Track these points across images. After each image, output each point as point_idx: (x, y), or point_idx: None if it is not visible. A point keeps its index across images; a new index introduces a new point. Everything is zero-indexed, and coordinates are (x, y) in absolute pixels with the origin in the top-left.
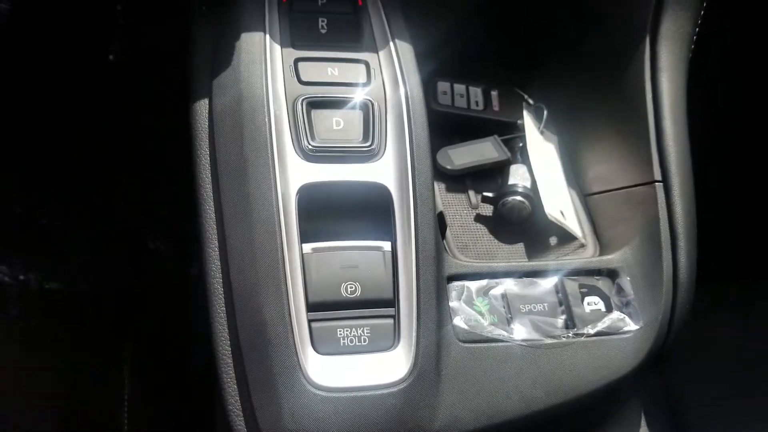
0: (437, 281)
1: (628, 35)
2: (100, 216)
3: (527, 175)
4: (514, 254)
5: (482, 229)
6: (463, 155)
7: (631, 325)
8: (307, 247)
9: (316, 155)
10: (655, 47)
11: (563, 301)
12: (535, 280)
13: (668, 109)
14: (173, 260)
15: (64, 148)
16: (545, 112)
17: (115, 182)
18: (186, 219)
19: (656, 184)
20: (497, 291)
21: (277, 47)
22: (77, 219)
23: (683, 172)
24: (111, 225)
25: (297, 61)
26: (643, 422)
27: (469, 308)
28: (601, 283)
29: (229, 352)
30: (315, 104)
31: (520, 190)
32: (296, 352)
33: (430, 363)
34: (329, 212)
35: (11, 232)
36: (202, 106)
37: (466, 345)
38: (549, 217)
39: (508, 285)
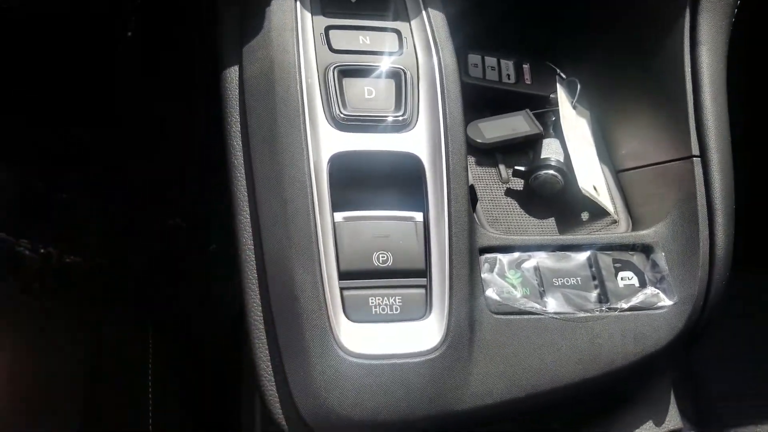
0: (470, 253)
1: (668, 7)
2: (119, 192)
3: (560, 149)
4: (545, 229)
5: (513, 204)
6: (494, 129)
7: (666, 301)
8: (339, 216)
9: (347, 124)
10: (695, 19)
11: (596, 276)
12: (568, 253)
13: (708, 82)
14: (193, 237)
15: (84, 128)
16: (578, 86)
17: (134, 159)
18: (205, 196)
19: (694, 159)
20: (530, 264)
21: (308, 15)
22: (96, 195)
23: (722, 147)
24: (130, 201)
25: (328, 29)
26: (672, 400)
27: (501, 280)
28: (636, 259)
29: (261, 319)
30: (346, 72)
31: (552, 164)
32: (329, 319)
33: (462, 333)
34: (361, 182)
35: (32, 206)
36: (232, 74)
37: (499, 317)
38: (583, 191)
39: (541, 258)
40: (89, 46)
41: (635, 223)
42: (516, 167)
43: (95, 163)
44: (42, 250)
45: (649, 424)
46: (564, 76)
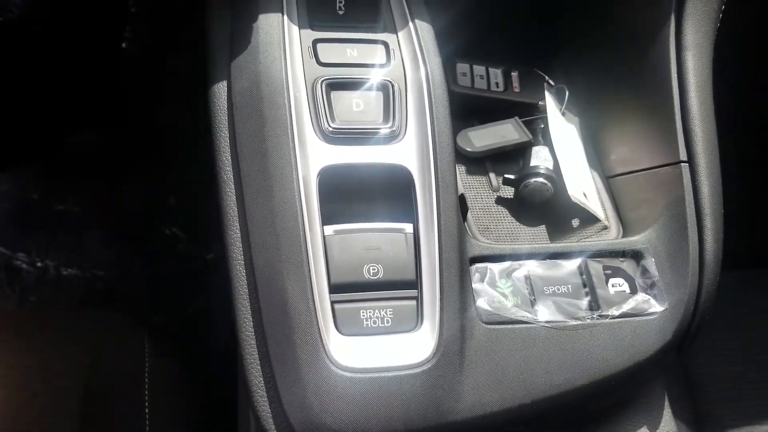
0: (460, 263)
1: (653, 13)
2: (115, 203)
3: (549, 156)
4: (536, 237)
5: (503, 212)
6: (484, 137)
7: (656, 307)
8: (329, 229)
9: (336, 137)
10: (680, 25)
11: (587, 283)
12: (558, 261)
13: (694, 87)
14: (189, 246)
15: (79, 137)
16: (567, 93)
17: (129, 169)
18: (201, 205)
19: (682, 164)
20: (520, 273)
21: (295, 28)
22: (93, 206)
23: (710, 151)
24: (126, 212)
25: (315, 42)
26: (667, 405)
27: (492, 290)
28: (626, 265)
29: (252, 334)
30: (334, 86)
31: (542, 171)
32: (320, 333)
33: (454, 344)
34: (350, 194)
35: (28, 219)
36: (220, 89)
37: (490, 326)
38: (572, 198)
39: (531, 267)
40: (86, 55)
41: (626, 229)
42: (506, 175)
43: (91, 173)
44: (39, 263)
45: (644, 429)
46: (552, 83)
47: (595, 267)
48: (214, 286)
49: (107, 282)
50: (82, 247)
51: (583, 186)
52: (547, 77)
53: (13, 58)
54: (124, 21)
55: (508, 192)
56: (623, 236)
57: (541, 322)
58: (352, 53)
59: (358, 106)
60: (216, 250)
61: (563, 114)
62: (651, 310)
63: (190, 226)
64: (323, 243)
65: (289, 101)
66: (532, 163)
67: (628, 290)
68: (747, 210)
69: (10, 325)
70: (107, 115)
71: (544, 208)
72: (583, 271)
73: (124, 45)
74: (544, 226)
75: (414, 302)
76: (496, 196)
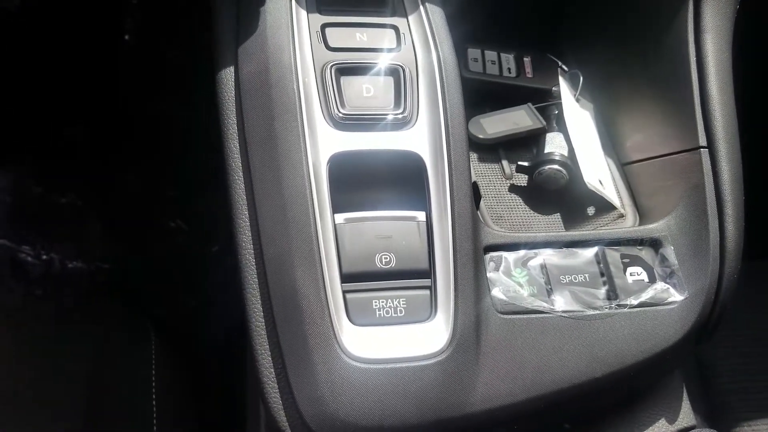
0: (474, 251)
1: None
2: (119, 196)
3: (564, 143)
4: (551, 225)
5: (517, 200)
6: (496, 124)
7: (676, 296)
8: (340, 218)
9: (346, 123)
10: (699, 7)
11: (605, 272)
12: (574, 250)
13: (714, 71)
14: (193, 238)
15: (81, 130)
16: (581, 79)
17: (133, 162)
18: (205, 198)
19: (701, 150)
20: (536, 261)
21: (303, 12)
22: (96, 199)
23: (730, 137)
24: (130, 205)
25: (324, 26)
26: (685, 396)
27: (507, 279)
28: (644, 253)
29: (263, 325)
30: (344, 71)
31: (557, 158)
32: (331, 323)
33: (469, 334)
34: (361, 182)
35: (32, 212)
36: (228, 75)
37: (506, 316)
38: (588, 186)
39: (547, 255)
40: (86, 46)
41: (642, 217)
42: (519, 163)
43: (92, 166)
44: (44, 256)
45: (662, 422)
46: (566, 68)
47: (613, 255)
48: (217, 279)
49: (111, 275)
50: (85, 240)
51: (598, 173)
52: (560, 62)
53: (10, 48)
54: (123, 11)
55: (522, 180)
56: (640, 224)
57: (557, 311)
58: (361, 37)
59: (369, 92)
60: (222, 241)
61: (577, 100)
62: (670, 300)
63: (192, 219)
64: (334, 231)
65: (298, 87)
66: (547, 149)
67: (646, 279)
68: (753, 198)
69: (15, 319)
70: (106, 107)
71: (558, 196)
72: (601, 259)
73: (127, 37)
74: (558, 214)
75: (427, 291)
76: (509, 184)
